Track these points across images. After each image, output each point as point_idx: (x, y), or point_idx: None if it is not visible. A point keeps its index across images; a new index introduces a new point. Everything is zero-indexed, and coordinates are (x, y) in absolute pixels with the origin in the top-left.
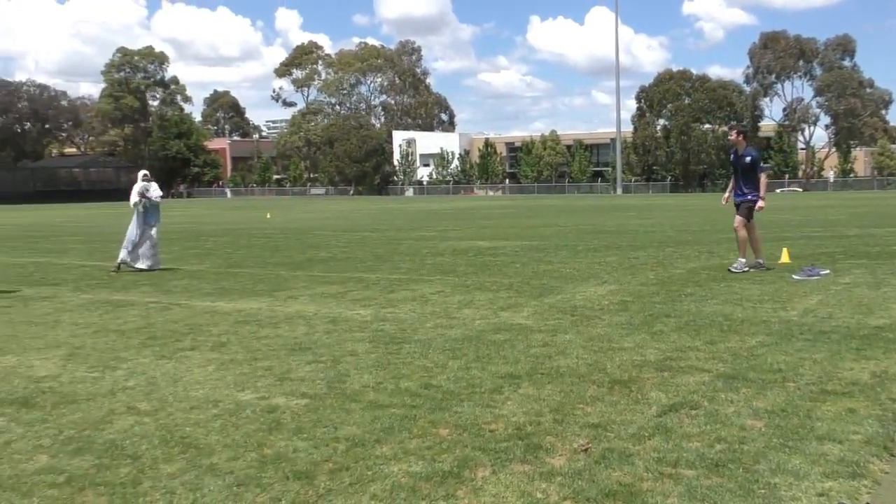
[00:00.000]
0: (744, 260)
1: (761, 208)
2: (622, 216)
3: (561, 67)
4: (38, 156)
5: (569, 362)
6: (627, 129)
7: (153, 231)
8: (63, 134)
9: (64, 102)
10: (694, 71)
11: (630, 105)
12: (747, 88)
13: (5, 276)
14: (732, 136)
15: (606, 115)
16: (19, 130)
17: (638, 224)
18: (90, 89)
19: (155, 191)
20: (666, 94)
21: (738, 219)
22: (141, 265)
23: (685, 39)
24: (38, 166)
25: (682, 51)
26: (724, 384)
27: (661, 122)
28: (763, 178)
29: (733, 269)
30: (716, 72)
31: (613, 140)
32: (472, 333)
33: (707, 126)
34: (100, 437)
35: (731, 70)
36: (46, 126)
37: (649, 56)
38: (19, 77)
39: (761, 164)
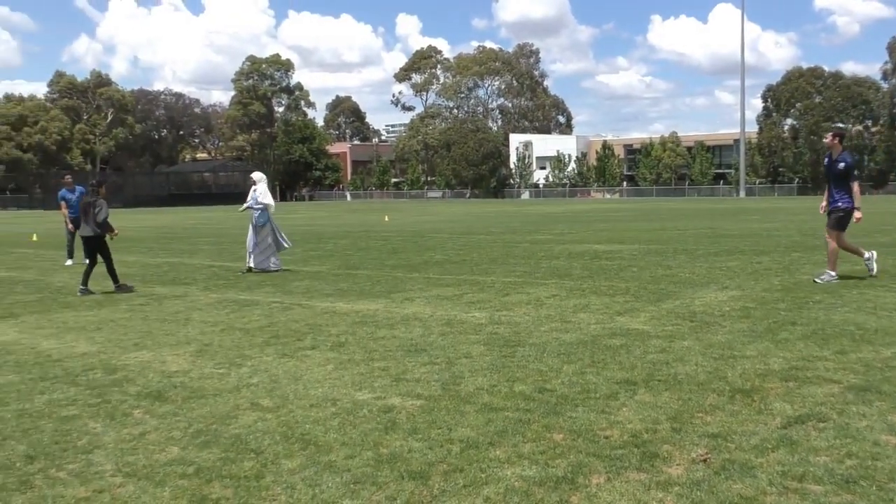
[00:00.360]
0: (834, 273)
1: (859, 219)
2: (745, 220)
3: (682, 67)
4: (173, 161)
5: (687, 369)
6: (752, 129)
7: (263, 233)
8: (195, 140)
9: (197, 110)
10: (826, 68)
11: (755, 105)
12: (885, 85)
13: (142, 276)
14: (828, 138)
15: (730, 116)
16: (157, 137)
17: (762, 228)
18: (221, 97)
19: (260, 195)
20: (795, 92)
21: (830, 230)
22: (256, 265)
23: (816, 35)
24: (172, 171)
25: (814, 47)
26: (855, 396)
27: (789, 121)
28: (855, 187)
29: (818, 281)
30: (850, 68)
31: (737, 141)
32: (588, 338)
33: (839, 125)
34: (226, 431)
35: (867, 66)
36: (181, 132)
37: (777, 53)
38: (157, 86)
39: (854, 172)
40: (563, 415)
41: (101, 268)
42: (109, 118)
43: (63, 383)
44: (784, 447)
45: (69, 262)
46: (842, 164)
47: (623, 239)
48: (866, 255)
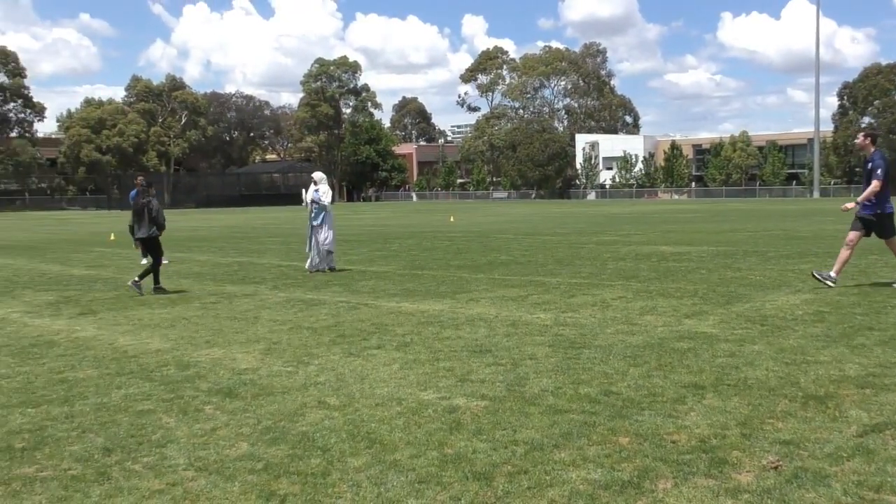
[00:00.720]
0: (835, 274)
1: (845, 208)
2: (819, 221)
3: (753, 65)
4: (243, 162)
5: (758, 374)
6: (827, 128)
7: (322, 232)
8: (265, 141)
9: (267, 112)
10: None
11: (830, 103)
12: None
13: (213, 275)
14: (859, 139)
15: (803, 115)
16: (228, 139)
17: (837, 230)
18: (290, 99)
19: (323, 195)
20: (872, 89)
21: (892, 240)
22: (310, 266)
23: None
24: (242, 172)
25: (893, 43)
26: None
27: (866, 120)
28: (874, 185)
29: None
30: None
31: (811, 140)
32: (654, 341)
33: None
34: (293, 428)
35: None
36: (251, 134)
37: (854, 49)
38: (229, 89)
39: (878, 172)
40: (629, 418)
41: (175, 266)
42: (183, 120)
43: (138, 378)
44: (860, 456)
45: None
46: (869, 164)
47: (691, 240)
48: (834, 275)
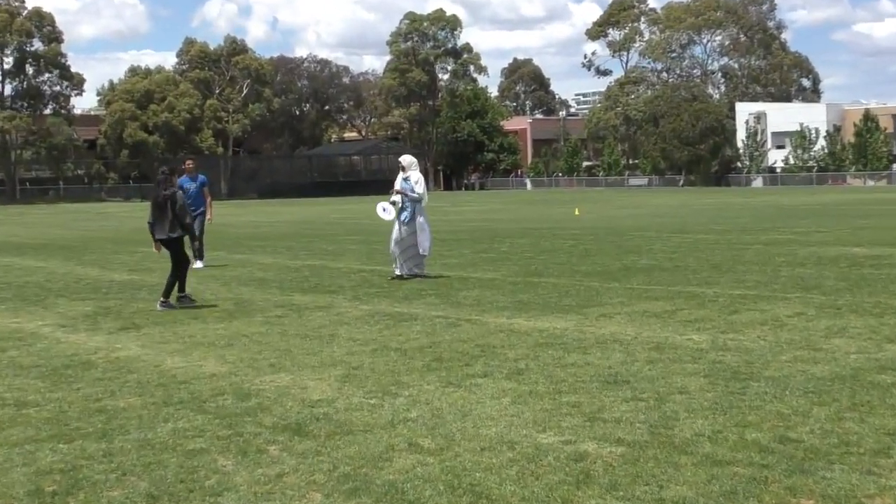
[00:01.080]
0: None
1: None
2: None
3: None
4: (317, 141)
5: None
6: None
7: (413, 231)
8: (343, 116)
9: (345, 80)
10: None
11: None
12: None
13: (280, 281)
14: None
15: None
16: (297, 113)
17: None
18: (374, 63)
19: (416, 183)
20: None
21: None
22: (399, 270)
23: None
24: (314, 154)
25: None
26: None
27: None
28: None
29: None
30: None
31: None
32: (846, 372)
33: None
34: (378, 476)
35: None
36: (326, 107)
37: None
38: (299, 53)
39: None
40: (813, 474)
41: (234, 270)
42: (245, 91)
43: (189, 410)
44: None
45: (199, 265)
46: None
47: (894, 240)
48: None
